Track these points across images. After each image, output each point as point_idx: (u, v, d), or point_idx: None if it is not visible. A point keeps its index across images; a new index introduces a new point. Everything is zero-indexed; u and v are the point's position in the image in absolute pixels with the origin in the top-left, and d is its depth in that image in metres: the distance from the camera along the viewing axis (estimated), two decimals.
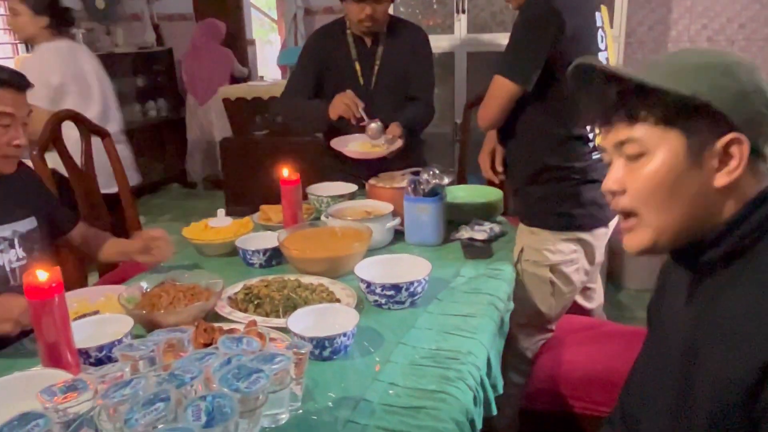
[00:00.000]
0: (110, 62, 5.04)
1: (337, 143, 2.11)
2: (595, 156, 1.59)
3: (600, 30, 1.57)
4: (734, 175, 0.74)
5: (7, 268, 1.45)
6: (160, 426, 0.75)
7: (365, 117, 2.07)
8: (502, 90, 1.54)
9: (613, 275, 3.17)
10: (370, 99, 2.24)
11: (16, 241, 1.48)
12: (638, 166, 0.79)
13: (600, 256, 1.72)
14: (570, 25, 1.46)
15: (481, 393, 1.15)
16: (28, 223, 1.52)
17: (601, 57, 1.57)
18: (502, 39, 2.97)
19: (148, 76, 5.40)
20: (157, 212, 4.94)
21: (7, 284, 1.44)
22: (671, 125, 0.76)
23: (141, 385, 0.84)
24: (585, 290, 1.81)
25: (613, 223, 1.68)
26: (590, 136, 1.58)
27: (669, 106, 0.76)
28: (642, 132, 0.78)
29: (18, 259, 1.48)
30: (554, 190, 1.60)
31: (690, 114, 0.75)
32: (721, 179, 0.75)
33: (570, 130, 1.55)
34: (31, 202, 1.55)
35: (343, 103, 2.05)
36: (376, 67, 2.24)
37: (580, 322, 1.78)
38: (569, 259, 1.63)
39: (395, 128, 2.11)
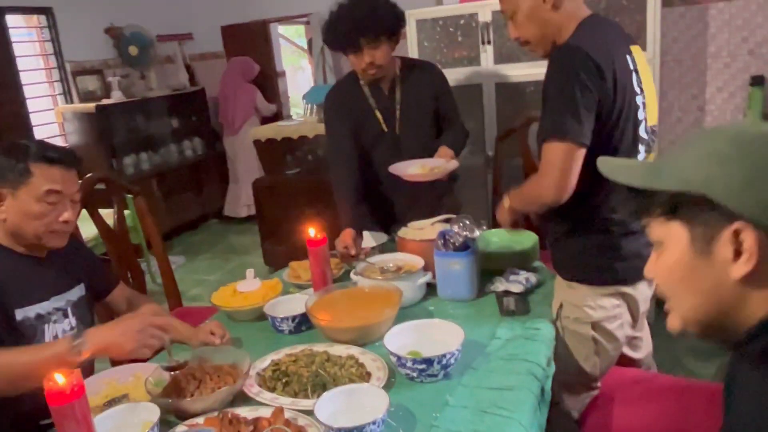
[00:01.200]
0: (145, 106, 5.21)
1: (395, 168, 2.08)
2: None
3: (634, 73, 1.49)
4: (749, 266, 0.70)
5: (60, 337, 1.47)
6: None
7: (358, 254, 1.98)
8: (565, 155, 1.38)
9: (662, 303, 3.01)
10: (396, 144, 2.21)
11: (69, 311, 1.52)
12: (658, 256, 0.81)
13: (644, 306, 1.63)
14: (608, 72, 1.39)
15: None
16: (78, 291, 1.57)
17: (638, 101, 1.48)
18: (530, 69, 2.91)
19: (182, 117, 5.50)
20: (195, 251, 5.00)
21: None
22: (674, 217, 0.76)
23: None
24: (631, 339, 1.70)
25: None
26: None
27: (667, 199, 0.76)
28: (654, 224, 0.80)
29: (71, 328, 1.52)
30: (594, 242, 1.51)
31: (690, 205, 0.74)
32: (737, 270, 0.71)
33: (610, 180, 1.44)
34: (79, 269, 1.60)
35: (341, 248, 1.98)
36: (398, 112, 2.20)
37: (629, 376, 1.68)
38: (612, 315, 1.53)
39: (446, 150, 2.10)
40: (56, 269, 1.52)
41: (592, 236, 1.51)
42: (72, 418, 1.02)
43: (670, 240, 0.77)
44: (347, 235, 1.97)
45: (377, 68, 2.08)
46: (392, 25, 2.05)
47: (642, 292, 1.56)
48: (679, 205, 0.75)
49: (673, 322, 0.83)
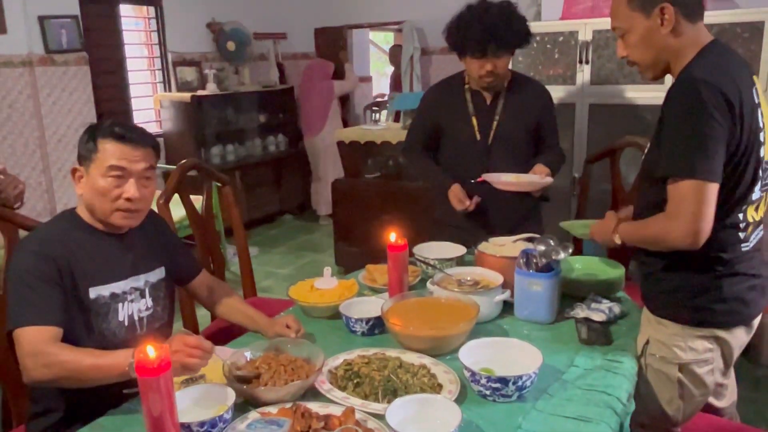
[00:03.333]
0: (236, 99, 5.40)
1: (489, 176, 2.11)
2: (745, 247, 1.41)
3: (758, 107, 1.39)
4: None
5: (136, 318, 1.51)
6: None
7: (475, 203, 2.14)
8: (698, 194, 1.28)
9: (748, 348, 2.83)
10: (487, 155, 2.20)
11: (147, 291, 1.54)
12: None
13: (738, 353, 1.52)
14: (736, 108, 1.30)
15: None
16: (158, 273, 1.58)
17: (761, 137, 1.39)
18: (628, 92, 2.81)
19: (269, 113, 5.67)
20: (269, 244, 5.13)
21: (134, 332, 1.50)
22: None
23: None
24: (716, 387, 1.60)
25: (756, 322, 1.48)
26: (742, 225, 1.40)
27: None
28: None
29: (147, 308, 1.53)
30: (693, 280, 1.42)
31: None
32: None
33: (723, 217, 1.36)
34: (161, 250, 1.60)
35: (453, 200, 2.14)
36: (495, 123, 2.19)
37: (713, 425, 1.58)
38: (703, 359, 1.44)
39: (541, 167, 2.11)
40: (137, 248, 1.52)
41: (692, 274, 1.42)
42: (157, 391, 1.06)
43: None
44: (457, 189, 2.13)
45: (494, 77, 2.09)
46: (521, 39, 2.08)
47: (738, 338, 1.46)
48: None
49: None
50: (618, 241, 1.50)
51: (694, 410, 1.53)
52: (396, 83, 5.69)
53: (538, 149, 2.25)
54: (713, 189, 1.29)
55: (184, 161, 2.27)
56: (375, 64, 7.47)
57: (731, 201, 1.36)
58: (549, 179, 2.08)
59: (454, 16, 2.10)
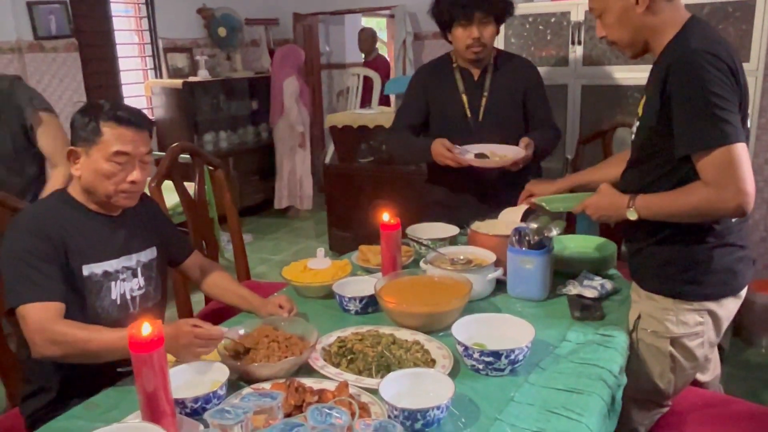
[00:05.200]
0: (229, 86, 5.37)
1: (464, 149, 2.10)
2: (735, 218, 1.42)
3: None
4: None
5: (128, 297, 1.52)
6: None
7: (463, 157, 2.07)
8: (738, 156, 1.28)
9: (741, 329, 2.86)
10: (477, 132, 2.20)
11: (139, 271, 1.55)
12: None
13: (727, 324, 1.53)
14: (737, 74, 1.33)
15: None
16: (150, 253, 1.59)
17: (749, 108, 1.40)
18: (619, 72, 2.81)
19: (262, 99, 5.64)
20: (263, 231, 5.12)
21: (127, 311, 1.51)
22: None
23: None
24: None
25: (743, 292, 1.49)
26: None
27: None
28: None
29: (139, 288, 1.55)
30: (684, 253, 1.43)
31: None
32: None
33: None
34: (152, 231, 1.62)
35: (439, 155, 2.08)
36: (484, 99, 2.20)
37: (702, 398, 1.59)
38: (694, 332, 1.46)
39: (525, 140, 2.09)
40: (128, 229, 1.54)
41: (683, 247, 1.43)
42: (150, 367, 1.06)
43: None
44: (442, 140, 2.06)
45: (481, 47, 2.10)
46: (505, 7, 2.11)
47: (727, 309, 1.47)
48: None
49: None
50: (633, 217, 1.43)
51: (685, 384, 1.54)
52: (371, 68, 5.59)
53: (530, 125, 2.24)
54: (744, 148, 1.30)
55: (175, 144, 2.26)
56: None
57: None
58: (519, 151, 2.05)
59: None
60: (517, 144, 2.09)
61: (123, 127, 1.42)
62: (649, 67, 1.47)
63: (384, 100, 5.17)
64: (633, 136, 1.53)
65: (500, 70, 2.21)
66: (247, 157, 5.41)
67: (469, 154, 2.08)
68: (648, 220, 1.43)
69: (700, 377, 1.63)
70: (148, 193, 1.99)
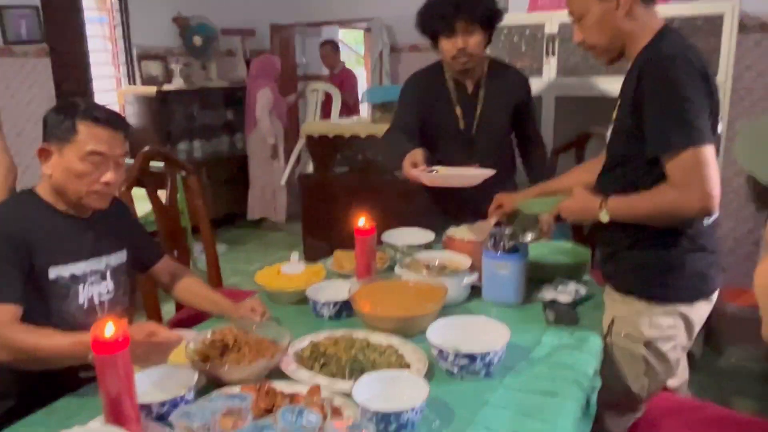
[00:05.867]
0: (204, 95, 5.32)
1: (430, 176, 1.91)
2: (707, 222, 1.43)
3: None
4: None
5: (97, 301, 1.48)
6: None
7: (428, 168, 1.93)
8: (703, 159, 1.29)
9: (712, 338, 2.90)
10: (471, 143, 2.17)
11: (109, 274, 1.51)
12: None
13: (698, 327, 1.55)
14: (710, 80, 1.35)
15: None
16: (120, 256, 1.55)
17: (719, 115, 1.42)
18: (594, 82, 2.85)
19: (237, 109, 5.60)
20: (236, 241, 5.06)
21: (94, 316, 1.45)
22: None
23: None
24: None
25: (714, 296, 1.51)
26: None
27: None
28: None
29: (108, 292, 1.51)
30: (658, 257, 1.44)
31: None
32: None
33: None
34: (122, 235, 1.58)
35: (405, 169, 1.93)
36: (478, 112, 2.16)
37: (675, 403, 1.60)
38: (667, 335, 1.46)
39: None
40: (97, 231, 1.49)
41: (656, 250, 1.44)
42: (113, 368, 1.02)
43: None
44: (417, 152, 1.91)
45: (468, 57, 2.04)
46: (490, 15, 2.04)
47: (699, 313, 1.48)
48: None
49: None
50: (605, 219, 1.44)
51: (658, 388, 1.55)
52: (335, 83, 5.51)
53: (518, 139, 2.23)
54: (711, 150, 1.31)
55: (146, 148, 2.22)
56: (347, 65, 7.41)
57: None
58: (488, 172, 1.93)
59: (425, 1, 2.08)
60: (506, 153, 2.07)
61: (99, 127, 1.39)
62: (622, 76, 1.49)
63: (347, 112, 5.16)
64: (607, 141, 1.54)
65: (494, 82, 2.17)
66: (221, 167, 5.35)
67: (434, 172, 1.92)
68: (622, 223, 1.44)
69: (669, 382, 1.63)
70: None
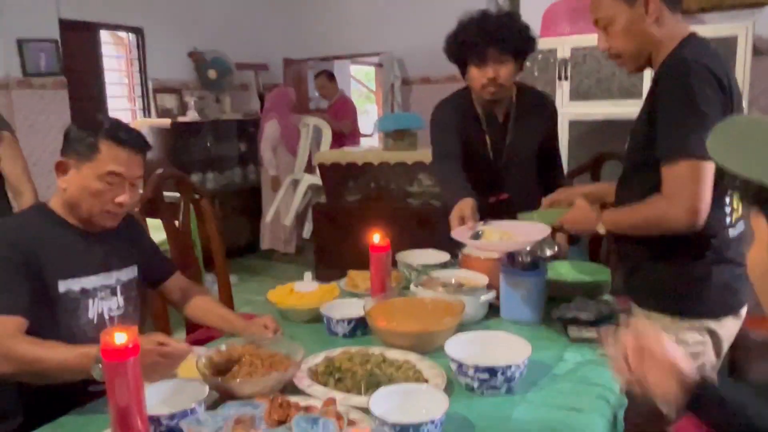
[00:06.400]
0: (216, 127, 5.38)
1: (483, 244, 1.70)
2: (732, 233, 1.39)
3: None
4: None
5: (106, 316, 1.45)
6: None
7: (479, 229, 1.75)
8: (697, 173, 1.27)
9: (736, 367, 2.80)
10: (498, 174, 2.09)
11: (119, 289, 1.49)
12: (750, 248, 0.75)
13: (728, 344, 1.49)
14: (728, 89, 1.31)
15: None
16: (130, 272, 1.53)
17: None
18: (607, 107, 2.84)
19: (250, 142, 5.65)
20: (248, 272, 5.03)
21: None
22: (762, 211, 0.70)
23: None
24: None
25: (743, 311, 1.45)
26: (728, 209, 1.39)
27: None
28: (753, 214, 0.75)
29: (118, 308, 1.48)
30: (682, 269, 1.39)
31: None
32: None
33: (713, 199, 1.32)
34: (134, 250, 1.56)
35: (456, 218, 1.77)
36: (507, 141, 2.09)
37: (699, 424, 1.53)
38: (694, 351, 1.40)
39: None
40: (109, 245, 1.48)
41: (680, 263, 1.40)
42: (124, 376, 0.99)
43: (758, 233, 0.70)
44: (467, 204, 1.74)
45: (498, 87, 1.96)
46: (522, 45, 1.96)
47: (727, 329, 1.43)
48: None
49: None
50: (602, 230, 1.44)
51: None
52: (331, 113, 5.45)
53: (544, 168, 2.15)
54: (710, 167, 1.28)
55: (159, 170, 2.22)
56: (358, 101, 7.51)
57: (720, 183, 1.35)
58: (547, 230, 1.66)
59: (454, 27, 2.00)
60: (534, 185, 2.02)
61: (121, 148, 1.39)
62: (636, 101, 1.48)
63: (340, 143, 5.11)
64: (626, 150, 1.52)
65: (523, 110, 2.09)
66: (234, 198, 5.37)
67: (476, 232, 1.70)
68: (634, 236, 1.41)
69: None
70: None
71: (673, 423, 1.48)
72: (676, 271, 1.41)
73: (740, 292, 1.42)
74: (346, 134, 5.38)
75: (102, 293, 1.45)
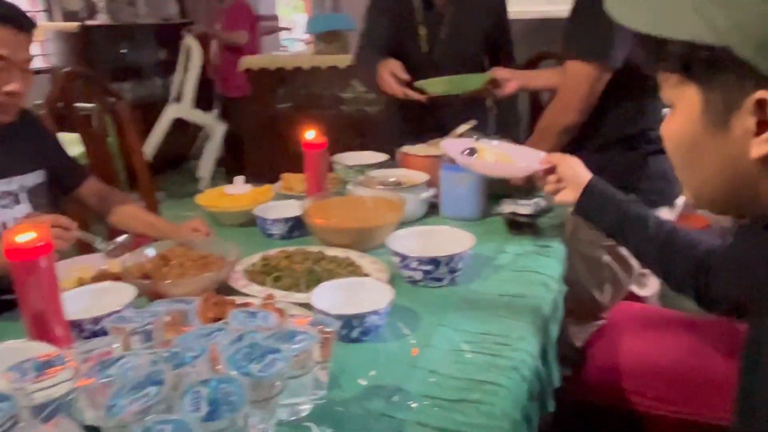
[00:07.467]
0: (132, 33, 4.96)
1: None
2: None
3: None
4: None
5: (11, 225, 1.32)
6: (149, 417, 0.59)
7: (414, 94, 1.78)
8: (591, 78, 1.33)
9: None
10: (433, 68, 1.95)
11: (24, 196, 1.36)
12: (668, 119, 0.67)
13: None
14: None
15: (537, 385, 0.97)
16: (36, 177, 1.40)
17: None
18: (544, 5, 2.77)
19: (171, 50, 5.25)
20: (176, 189, 4.83)
21: None
22: (687, 77, 0.60)
23: (131, 364, 0.68)
24: (639, 276, 1.61)
25: (678, 202, 1.48)
26: None
27: (678, 54, 0.58)
28: (665, 84, 0.64)
29: (25, 216, 1.34)
30: (620, 159, 1.41)
31: (706, 63, 0.56)
32: (758, 148, 0.55)
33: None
34: (39, 154, 1.42)
35: (385, 79, 1.78)
36: (442, 34, 1.97)
37: (636, 310, 1.59)
38: None
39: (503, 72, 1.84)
40: (7, 148, 1.33)
41: (619, 152, 1.41)
42: (35, 275, 0.89)
43: (679, 103, 0.63)
44: (393, 61, 1.78)
45: None
46: None
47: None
48: (692, 62, 0.58)
49: (687, 196, 0.71)
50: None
51: (621, 295, 1.53)
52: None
53: (498, 61, 2.02)
54: (605, 73, 1.33)
55: (66, 69, 2.01)
56: (284, 10, 7.05)
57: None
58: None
59: None
60: None
61: (1, 27, 1.20)
62: None
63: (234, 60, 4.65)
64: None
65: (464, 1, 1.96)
66: (156, 110, 5.01)
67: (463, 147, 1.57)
68: (585, 130, 1.40)
69: (640, 292, 1.62)
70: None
71: (608, 309, 1.53)
72: (613, 161, 1.42)
73: (675, 183, 1.44)
74: (242, 46, 4.54)
75: (4, 201, 1.32)
